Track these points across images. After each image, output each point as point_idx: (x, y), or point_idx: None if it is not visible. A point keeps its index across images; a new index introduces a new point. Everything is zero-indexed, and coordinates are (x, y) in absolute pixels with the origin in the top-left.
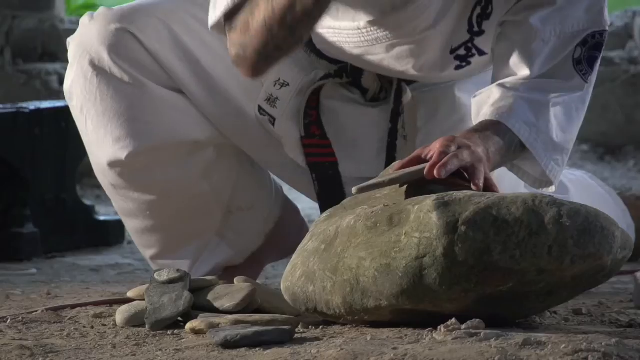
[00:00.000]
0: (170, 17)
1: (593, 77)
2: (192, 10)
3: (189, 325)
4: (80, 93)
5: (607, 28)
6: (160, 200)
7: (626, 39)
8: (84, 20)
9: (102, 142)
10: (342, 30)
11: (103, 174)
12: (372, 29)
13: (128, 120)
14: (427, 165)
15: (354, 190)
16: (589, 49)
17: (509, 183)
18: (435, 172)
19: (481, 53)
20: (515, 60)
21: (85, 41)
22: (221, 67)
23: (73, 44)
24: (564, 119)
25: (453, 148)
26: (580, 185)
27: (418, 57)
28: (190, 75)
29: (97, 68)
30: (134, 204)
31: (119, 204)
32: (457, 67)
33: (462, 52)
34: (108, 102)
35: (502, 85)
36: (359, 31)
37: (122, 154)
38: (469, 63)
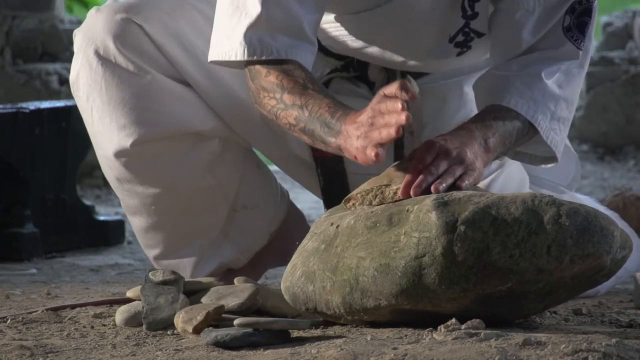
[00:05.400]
0: (176, 11)
1: (588, 44)
2: (199, 6)
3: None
4: (85, 82)
5: None
6: (164, 193)
7: (626, 39)
8: (91, 12)
9: (107, 131)
10: (342, 22)
11: (109, 166)
12: (369, 18)
13: (133, 108)
14: (414, 183)
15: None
16: (578, 15)
17: (516, 184)
18: (432, 189)
19: (479, 35)
20: (504, 33)
21: (91, 31)
22: None
23: (79, 34)
24: (562, 87)
25: (442, 168)
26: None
27: (417, 46)
28: (195, 67)
29: (102, 57)
30: (139, 198)
31: (124, 201)
32: (459, 54)
33: (460, 38)
34: (113, 91)
35: (495, 69)
36: (358, 21)
37: (127, 142)
38: (469, 47)
